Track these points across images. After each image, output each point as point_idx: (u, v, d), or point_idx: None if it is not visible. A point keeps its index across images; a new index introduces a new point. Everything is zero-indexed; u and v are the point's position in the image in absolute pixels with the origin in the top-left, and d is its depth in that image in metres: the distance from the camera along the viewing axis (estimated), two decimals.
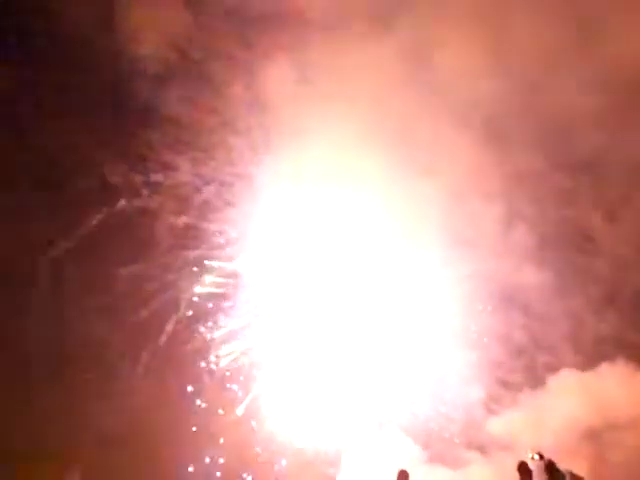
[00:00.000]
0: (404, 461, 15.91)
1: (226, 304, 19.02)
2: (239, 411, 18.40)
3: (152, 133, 18.03)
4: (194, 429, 17.81)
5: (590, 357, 17.50)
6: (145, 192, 17.89)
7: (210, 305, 18.96)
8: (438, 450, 17.50)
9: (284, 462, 17.81)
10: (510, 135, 18.62)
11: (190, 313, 18.73)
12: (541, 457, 9.86)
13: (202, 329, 18.82)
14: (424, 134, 18.60)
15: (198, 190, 18.51)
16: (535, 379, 17.97)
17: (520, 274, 18.99)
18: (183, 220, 18.20)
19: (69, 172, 17.37)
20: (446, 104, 18.31)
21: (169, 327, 18.31)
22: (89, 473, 16.43)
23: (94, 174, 17.24)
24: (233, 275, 19.05)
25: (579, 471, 11.36)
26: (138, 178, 17.78)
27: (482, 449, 17.03)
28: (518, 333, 19.05)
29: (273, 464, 17.74)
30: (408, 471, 10.09)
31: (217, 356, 18.81)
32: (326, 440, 18.14)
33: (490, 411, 17.99)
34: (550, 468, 9.63)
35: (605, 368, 16.89)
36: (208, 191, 18.57)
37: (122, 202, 17.38)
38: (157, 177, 17.88)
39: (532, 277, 18.95)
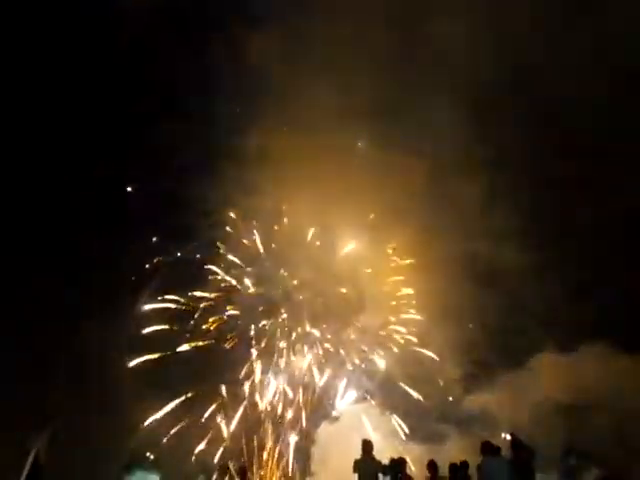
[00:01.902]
0: (381, 434, 15.99)
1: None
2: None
3: None
4: None
5: (570, 339, 16.74)
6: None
7: None
8: (414, 424, 16.99)
9: None
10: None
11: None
12: (512, 436, 9.26)
13: None
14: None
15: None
16: (513, 360, 17.28)
17: (500, 256, 18.04)
18: None
19: None
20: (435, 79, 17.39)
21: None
22: None
23: None
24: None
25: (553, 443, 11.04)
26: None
27: (459, 424, 16.50)
28: (496, 314, 17.89)
29: None
30: (372, 441, 9.58)
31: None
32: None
33: (467, 389, 17.45)
34: (514, 445, 9.05)
35: (585, 350, 16.20)
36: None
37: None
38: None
39: (512, 259, 17.91)
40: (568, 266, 17.70)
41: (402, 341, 18.47)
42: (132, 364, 16.82)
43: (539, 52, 17.69)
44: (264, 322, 18.19)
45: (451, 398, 17.54)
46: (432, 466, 8.91)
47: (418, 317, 18.64)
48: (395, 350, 18.36)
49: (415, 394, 17.58)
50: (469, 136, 17.54)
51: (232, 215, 18.50)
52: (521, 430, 13.22)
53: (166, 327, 17.44)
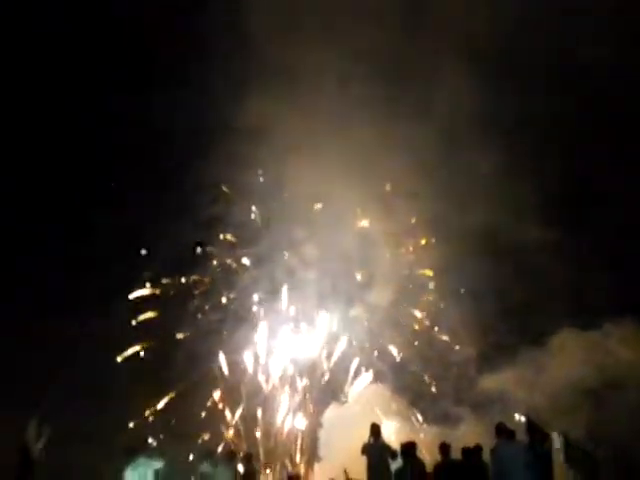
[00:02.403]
0: (391, 418, 15.76)
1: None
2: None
3: None
4: None
5: (594, 316, 16.19)
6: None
7: None
8: (426, 407, 16.85)
9: None
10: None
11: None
12: (527, 418, 9.02)
13: None
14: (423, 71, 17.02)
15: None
16: (533, 339, 16.79)
17: (519, 228, 17.43)
18: None
19: None
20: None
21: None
22: None
23: None
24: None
25: (576, 429, 10.80)
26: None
27: (474, 407, 16.19)
28: (516, 292, 17.39)
29: None
30: (380, 424, 9.62)
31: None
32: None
33: (483, 370, 16.99)
34: (530, 428, 8.72)
35: (609, 327, 15.68)
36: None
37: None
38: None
39: (533, 231, 17.42)
40: (592, 239, 17.18)
41: (415, 321, 18.21)
42: (128, 352, 16.65)
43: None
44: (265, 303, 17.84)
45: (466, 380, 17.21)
46: (444, 449, 8.60)
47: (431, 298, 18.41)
48: (408, 330, 18.09)
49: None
50: (489, 100, 16.84)
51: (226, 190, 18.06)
52: (541, 412, 13.31)
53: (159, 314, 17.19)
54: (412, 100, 16.80)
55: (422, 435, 15.38)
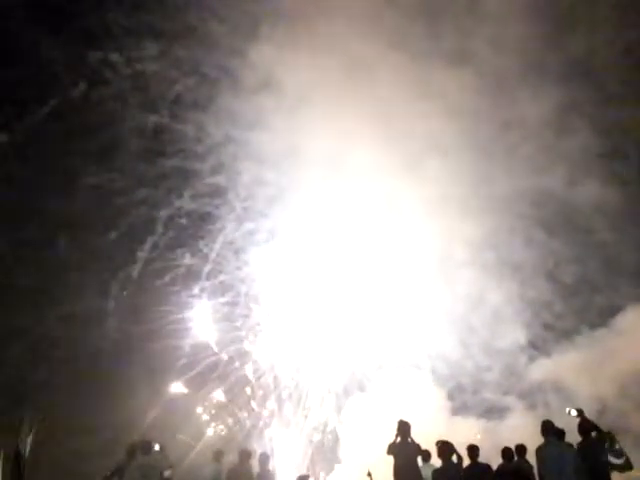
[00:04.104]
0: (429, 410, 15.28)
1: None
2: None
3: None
4: None
5: None
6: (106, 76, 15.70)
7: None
8: (468, 397, 16.47)
9: None
10: None
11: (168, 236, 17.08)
12: (580, 414, 8.26)
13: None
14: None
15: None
16: (594, 319, 16.21)
17: (576, 191, 16.67)
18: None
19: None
20: None
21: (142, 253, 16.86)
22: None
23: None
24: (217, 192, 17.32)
25: None
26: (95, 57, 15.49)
27: (523, 396, 15.84)
28: (572, 265, 17.01)
29: None
30: (410, 422, 9.02)
31: (202, 289, 17.48)
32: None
33: (532, 358, 16.57)
34: (584, 429, 8.05)
35: None
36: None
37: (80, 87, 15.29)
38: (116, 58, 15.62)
39: (592, 194, 16.64)
40: None
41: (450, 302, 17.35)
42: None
43: None
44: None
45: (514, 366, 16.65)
46: (472, 451, 8.16)
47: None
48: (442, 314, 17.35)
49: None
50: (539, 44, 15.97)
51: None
52: (605, 403, 12.61)
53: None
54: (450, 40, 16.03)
55: (459, 430, 14.92)
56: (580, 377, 14.79)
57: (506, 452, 8.18)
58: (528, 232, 17.05)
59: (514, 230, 17.03)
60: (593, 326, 15.92)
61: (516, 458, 8.20)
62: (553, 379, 15.28)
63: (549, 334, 16.57)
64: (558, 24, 15.76)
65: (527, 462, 8.20)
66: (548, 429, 8.05)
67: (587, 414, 8.23)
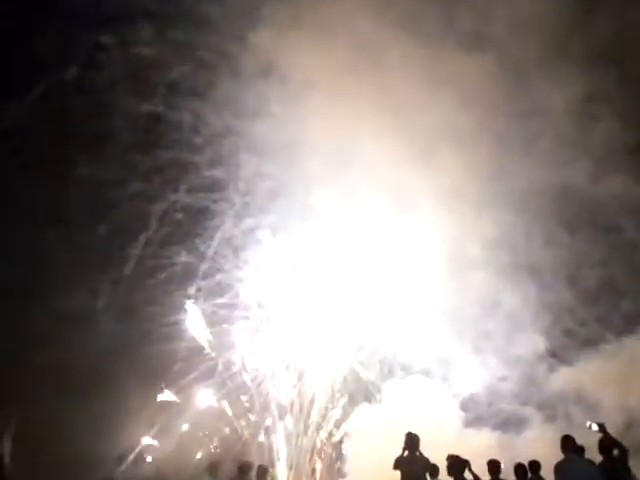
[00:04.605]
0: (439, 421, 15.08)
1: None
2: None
3: None
4: None
5: None
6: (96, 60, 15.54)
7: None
8: (482, 408, 16.27)
9: None
10: None
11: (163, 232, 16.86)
12: (601, 429, 8.04)
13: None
14: None
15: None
16: (618, 326, 15.92)
17: (600, 186, 16.24)
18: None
19: None
20: None
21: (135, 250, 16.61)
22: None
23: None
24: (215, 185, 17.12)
25: None
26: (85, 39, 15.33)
27: (542, 407, 15.65)
28: (597, 267, 16.56)
29: None
30: (419, 435, 9.10)
31: (198, 289, 17.25)
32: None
33: (552, 367, 16.26)
34: (605, 446, 7.84)
35: None
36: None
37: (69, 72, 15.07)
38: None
39: (618, 190, 16.18)
40: None
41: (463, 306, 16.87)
42: None
43: None
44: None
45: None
46: (493, 467, 8.19)
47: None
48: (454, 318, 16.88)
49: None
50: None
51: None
52: (632, 415, 12.38)
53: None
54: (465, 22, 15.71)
55: (472, 443, 14.54)
56: (605, 387, 14.53)
57: (519, 469, 8.08)
58: (548, 231, 16.80)
59: (533, 229, 16.76)
60: (619, 333, 15.75)
61: (530, 475, 8.02)
62: (575, 389, 15.06)
63: (571, 341, 16.31)
64: (583, 3, 15.40)
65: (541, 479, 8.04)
66: (568, 445, 7.84)
67: (613, 427, 8.18)
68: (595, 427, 8.06)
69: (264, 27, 16.22)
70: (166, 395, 16.62)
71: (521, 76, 16.00)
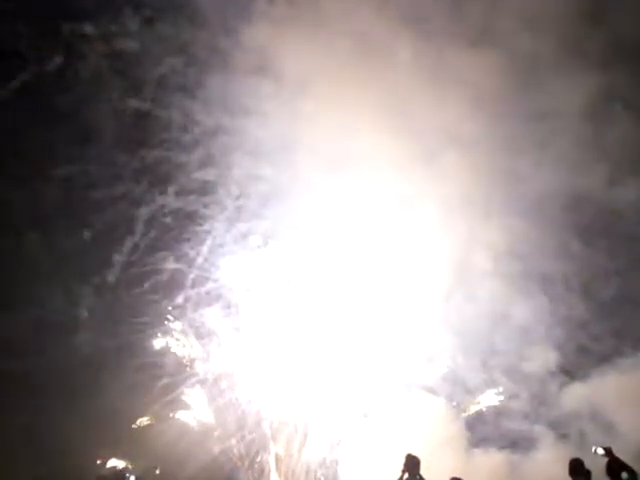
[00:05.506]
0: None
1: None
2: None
3: None
4: None
5: None
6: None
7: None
8: (489, 428, 16.32)
9: None
10: None
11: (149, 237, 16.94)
12: (608, 453, 8.15)
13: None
14: None
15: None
16: (635, 341, 16.05)
17: (617, 192, 16.29)
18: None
19: None
20: None
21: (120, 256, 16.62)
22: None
23: None
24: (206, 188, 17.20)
25: None
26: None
27: (553, 425, 15.71)
28: (612, 280, 16.59)
29: None
30: (419, 457, 9.14)
31: (187, 298, 17.31)
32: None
33: (564, 383, 16.34)
34: (612, 470, 7.93)
35: None
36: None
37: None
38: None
39: (635, 197, 16.20)
40: None
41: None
42: None
43: None
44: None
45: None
46: None
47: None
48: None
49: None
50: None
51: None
52: None
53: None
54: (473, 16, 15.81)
55: (479, 463, 14.98)
56: (621, 405, 14.59)
57: None
58: (561, 240, 16.77)
59: (545, 237, 16.76)
60: (635, 348, 15.85)
61: None
62: (589, 407, 15.14)
63: (585, 357, 16.37)
64: None
65: None
66: (577, 469, 7.94)
67: (631, 446, 8.40)
68: (601, 451, 8.15)
69: (258, 21, 16.35)
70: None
71: (533, 74, 16.05)
